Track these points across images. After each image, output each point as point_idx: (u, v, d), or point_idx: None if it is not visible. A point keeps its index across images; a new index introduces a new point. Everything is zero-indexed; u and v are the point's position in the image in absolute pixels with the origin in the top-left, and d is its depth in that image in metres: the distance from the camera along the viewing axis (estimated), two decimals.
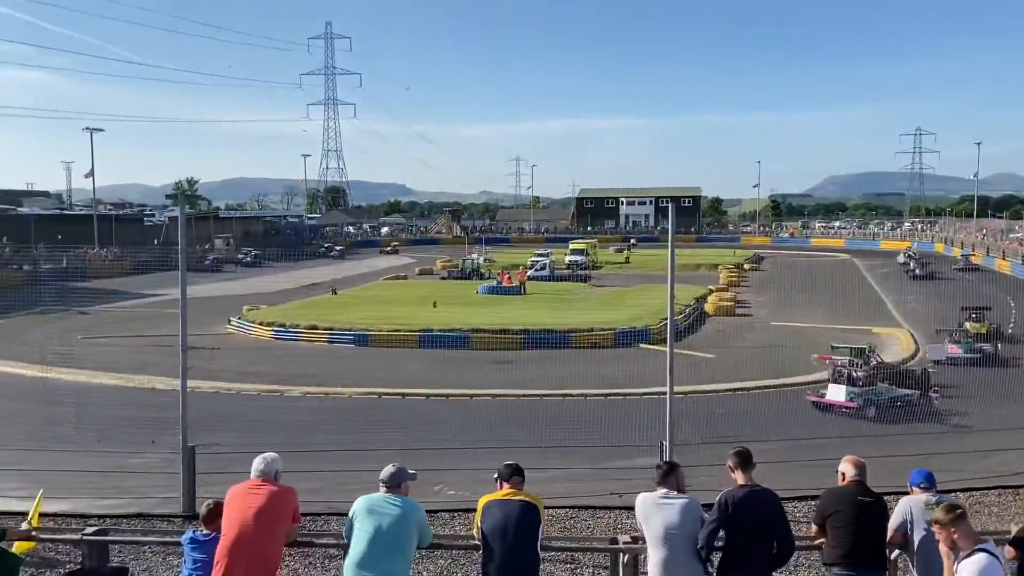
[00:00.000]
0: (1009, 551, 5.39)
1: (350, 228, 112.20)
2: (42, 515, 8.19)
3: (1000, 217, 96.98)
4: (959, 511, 4.64)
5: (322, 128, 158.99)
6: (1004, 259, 58.20)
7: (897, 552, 5.65)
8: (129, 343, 29.66)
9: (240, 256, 69.85)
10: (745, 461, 5.41)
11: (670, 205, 10.46)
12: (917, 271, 52.00)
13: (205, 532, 5.43)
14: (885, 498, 5.68)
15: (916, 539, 5.35)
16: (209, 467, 10.34)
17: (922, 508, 5.36)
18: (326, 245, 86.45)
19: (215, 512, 5.40)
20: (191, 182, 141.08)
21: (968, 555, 4.45)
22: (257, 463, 5.42)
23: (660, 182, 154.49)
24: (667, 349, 10.05)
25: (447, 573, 7.88)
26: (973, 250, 65.64)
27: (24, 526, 7.36)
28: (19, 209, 77.40)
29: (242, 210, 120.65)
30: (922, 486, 5.54)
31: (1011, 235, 73.08)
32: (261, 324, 33.39)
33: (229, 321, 34.67)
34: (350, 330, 31.36)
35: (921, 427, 17.90)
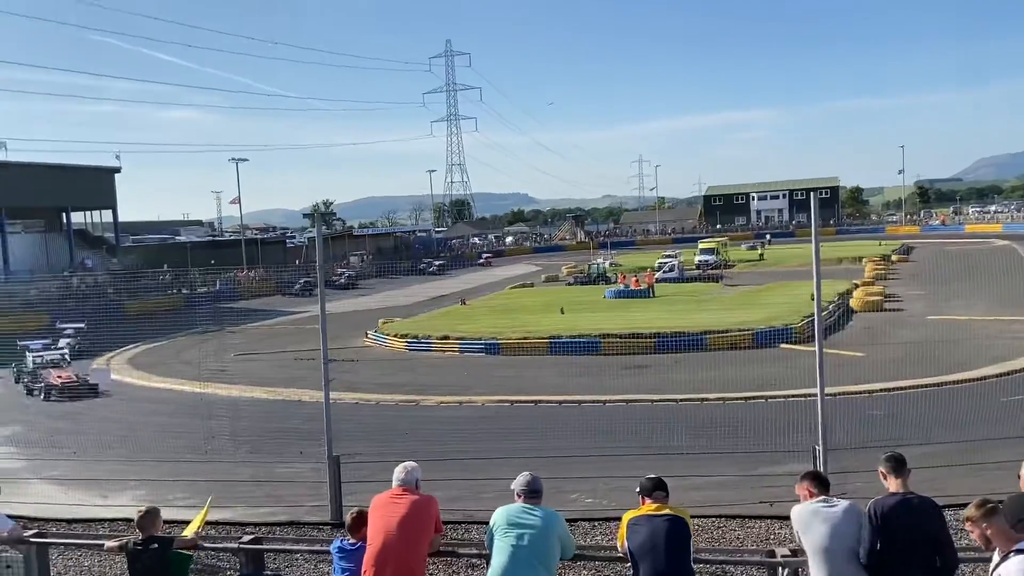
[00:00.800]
0: None
1: (476, 239, 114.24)
2: (207, 523, 8.60)
3: None
4: (990, 506, 4.10)
5: (445, 144, 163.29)
6: None
7: None
8: (277, 358, 31.30)
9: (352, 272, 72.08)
10: (898, 466, 4.96)
11: (812, 194, 9.79)
12: None
13: (352, 541, 5.48)
14: None
15: None
16: (353, 476, 10.60)
17: None
18: (425, 261, 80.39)
19: (360, 521, 5.45)
20: (327, 204, 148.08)
21: (1005, 557, 3.99)
22: (398, 472, 5.42)
23: (793, 174, 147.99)
24: (815, 348, 9.38)
25: None
26: None
27: (187, 533, 7.73)
28: (177, 238, 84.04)
29: (374, 227, 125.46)
30: None
31: None
32: (396, 336, 34.40)
33: (366, 334, 35.96)
34: (480, 339, 31.73)
35: None
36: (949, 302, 35.14)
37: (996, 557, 4.11)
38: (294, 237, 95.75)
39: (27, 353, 28.92)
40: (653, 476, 5.21)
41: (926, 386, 20.66)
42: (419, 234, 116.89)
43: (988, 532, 4.10)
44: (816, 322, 9.69)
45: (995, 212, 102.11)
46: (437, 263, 79.34)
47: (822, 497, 4.88)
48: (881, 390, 20.46)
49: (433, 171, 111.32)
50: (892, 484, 4.92)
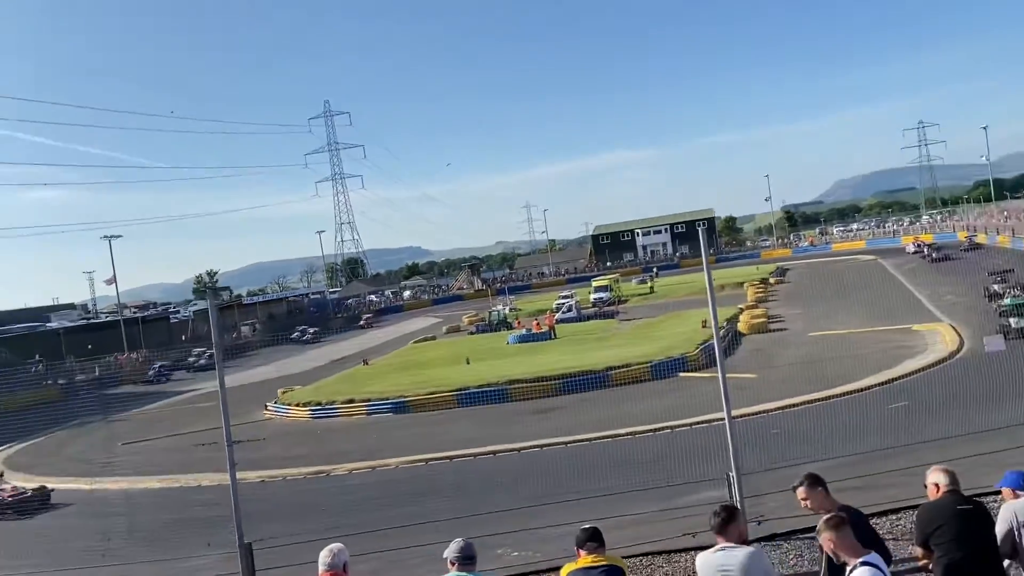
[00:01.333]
0: None
1: (372, 297, 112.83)
2: None
3: (1018, 197, 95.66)
4: (837, 519, 4.37)
5: (333, 203, 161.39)
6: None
7: (1007, 562, 5.29)
8: (170, 443, 29.69)
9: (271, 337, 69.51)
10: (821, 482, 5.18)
11: (700, 227, 10.28)
12: (933, 255, 54.55)
13: None
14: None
15: None
16: (268, 562, 10.10)
17: None
18: (365, 317, 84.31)
19: None
20: (211, 274, 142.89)
21: (852, 568, 4.21)
22: (324, 557, 5.21)
23: (672, 208, 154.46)
24: (712, 374, 9.73)
25: None
26: (999, 233, 64.65)
27: None
28: (47, 324, 78.72)
29: (264, 294, 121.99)
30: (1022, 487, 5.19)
31: None
32: (298, 405, 33.36)
33: (265, 406, 34.67)
34: (387, 399, 31.20)
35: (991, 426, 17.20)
36: (827, 318, 37.29)
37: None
38: (178, 312, 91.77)
39: None
40: (588, 527, 5.20)
41: (816, 400, 21.79)
42: (312, 296, 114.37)
43: (835, 545, 4.31)
44: (717, 350, 10.09)
45: (857, 230, 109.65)
46: (311, 330, 71.82)
47: (721, 543, 4.76)
48: (776, 409, 21.45)
49: (323, 232, 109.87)
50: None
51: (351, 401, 31.88)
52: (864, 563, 4.18)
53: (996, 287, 34.37)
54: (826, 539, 4.36)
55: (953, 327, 30.17)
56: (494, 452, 21.20)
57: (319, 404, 32.58)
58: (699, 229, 9.71)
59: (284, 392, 37.11)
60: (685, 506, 12.72)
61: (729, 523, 4.81)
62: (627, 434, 20.91)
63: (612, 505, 12.86)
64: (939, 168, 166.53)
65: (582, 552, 5.08)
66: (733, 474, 9.79)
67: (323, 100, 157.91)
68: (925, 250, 61.29)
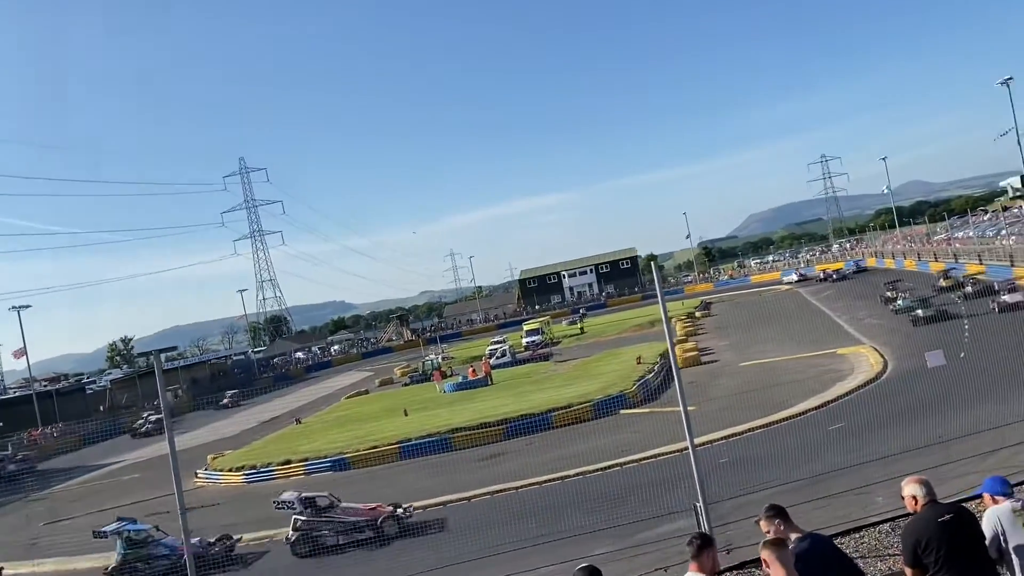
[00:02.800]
0: None
1: (299, 354, 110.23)
2: None
3: (920, 223, 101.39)
4: (776, 541, 4.68)
5: (252, 261, 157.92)
6: (979, 263, 50.44)
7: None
8: (95, 520, 27.92)
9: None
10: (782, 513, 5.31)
11: (653, 264, 10.52)
12: (833, 276, 52.54)
13: None
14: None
15: (1012, 548, 5.16)
16: None
17: (1011, 515, 5.20)
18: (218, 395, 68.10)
19: None
20: (126, 341, 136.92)
21: None
22: None
23: (595, 249, 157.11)
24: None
25: None
26: (906, 258, 68.23)
27: None
28: None
29: (184, 358, 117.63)
30: (1005, 493, 5.39)
31: (934, 238, 76.19)
32: (230, 470, 32.01)
33: (195, 475, 33.14)
34: (326, 457, 30.27)
35: (921, 437, 17.88)
36: (755, 348, 38.34)
37: None
38: (93, 382, 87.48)
39: None
40: (585, 566, 5.12)
41: (759, 427, 22.25)
42: (236, 357, 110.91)
43: (769, 566, 4.51)
44: (677, 380, 10.26)
45: (772, 262, 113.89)
46: (229, 394, 67.55)
47: (692, 573, 4.92)
48: (721, 438, 21.74)
49: (244, 290, 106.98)
50: (790, 530, 5.22)
51: (288, 462, 30.80)
52: None
53: (888, 293, 42.61)
54: (763, 558, 4.59)
55: (876, 349, 31.45)
56: (444, 503, 20.76)
57: (253, 467, 31.33)
58: (653, 264, 9.89)
59: (214, 458, 35.58)
60: (648, 541, 12.75)
61: (704, 549, 4.97)
62: (577, 474, 20.83)
63: (578, 546, 12.77)
64: (843, 199, 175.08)
65: None
66: (700, 504, 9.88)
67: (238, 157, 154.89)
68: (823, 275, 66.70)
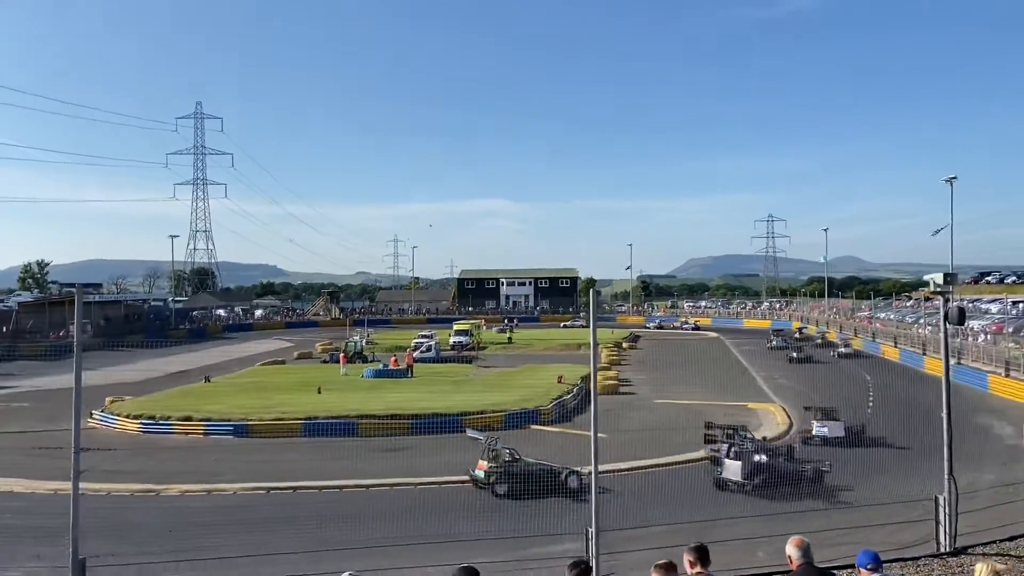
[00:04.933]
0: None
1: (220, 311, 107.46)
2: None
3: (848, 297, 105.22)
4: (667, 564, 5.15)
5: (190, 208, 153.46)
6: (895, 346, 53.82)
7: None
8: None
9: None
10: (703, 555, 5.52)
11: (591, 289, 10.64)
12: (795, 355, 52.16)
13: None
14: None
15: None
16: None
17: None
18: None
19: None
20: (41, 265, 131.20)
21: None
22: None
23: (538, 263, 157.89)
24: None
25: None
26: (841, 329, 70.57)
27: None
28: None
29: (100, 293, 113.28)
30: (869, 567, 5.71)
31: (858, 314, 79.22)
32: (128, 417, 31.08)
33: (91, 414, 32.04)
34: (228, 420, 29.67)
35: (808, 503, 18.58)
36: (672, 387, 39.19)
37: None
38: (1, 301, 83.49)
39: None
40: (466, 565, 5.22)
41: (660, 466, 22.74)
42: (154, 303, 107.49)
43: None
44: (593, 404, 10.44)
45: (704, 307, 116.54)
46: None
47: None
48: (625, 469, 22.14)
49: (175, 237, 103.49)
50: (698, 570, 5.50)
51: (188, 419, 30.07)
52: None
53: (774, 341, 59.43)
54: None
55: (784, 408, 32.51)
56: (340, 487, 20.57)
57: (152, 418, 30.50)
58: (591, 292, 10.07)
59: (113, 401, 34.48)
60: (534, 557, 12.91)
61: None
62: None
63: (463, 552, 12.82)
64: (782, 260, 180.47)
65: None
66: (593, 530, 10.08)
67: (195, 101, 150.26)
68: (784, 343, 59.33)
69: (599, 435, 25.56)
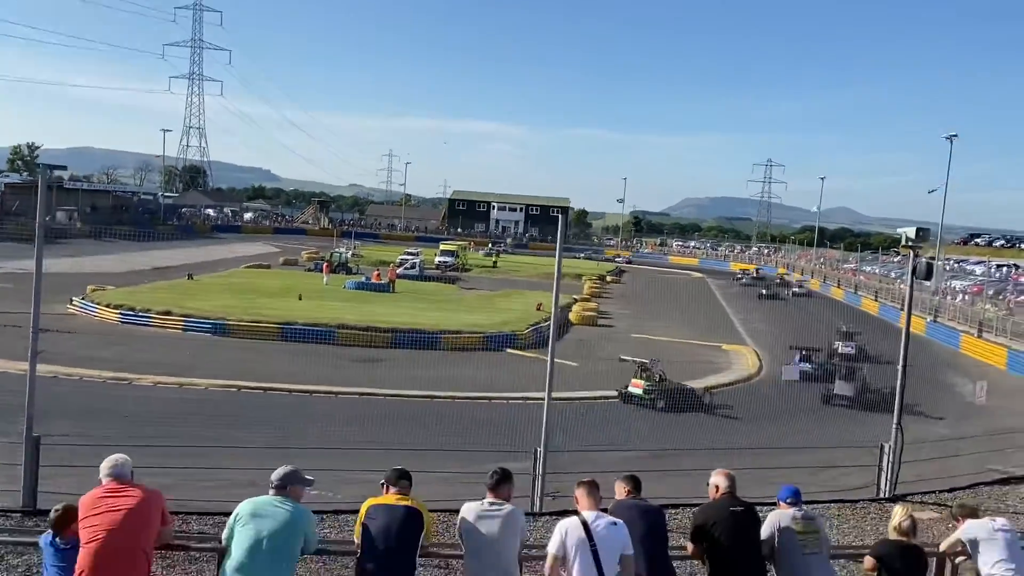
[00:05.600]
0: (868, 561, 5.88)
1: (210, 211, 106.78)
2: None
3: (836, 247, 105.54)
4: (589, 481, 5.38)
5: (185, 103, 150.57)
6: (839, 287, 63.34)
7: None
8: None
9: None
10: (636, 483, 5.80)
11: (560, 218, 10.63)
12: (763, 292, 56.62)
13: (64, 539, 4.95)
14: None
15: (782, 552, 5.70)
16: (54, 459, 9.53)
17: (790, 522, 5.72)
18: None
19: (68, 517, 4.95)
20: (31, 147, 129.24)
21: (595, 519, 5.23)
22: (109, 465, 5.01)
23: (531, 190, 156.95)
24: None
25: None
26: (812, 277, 71.31)
27: None
28: None
29: (89, 182, 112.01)
30: (788, 501, 5.90)
31: (844, 265, 79.65)
32: (108, 306, 31.23)
33: (71, 301, 32.21)
34: (207, 318, 29.86)
35: (761, 442, 19.05)
36: (650, 323, 39.60)
37: None
38: None
39: None
40: (399, 467, 5.38)
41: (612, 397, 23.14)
42: (144, 196, 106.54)
43: (577, 501, 5.25)
44: (552, 333, 10.54)
45: (693, 247, 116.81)
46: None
47: (491, 498, 5.28)
48: (590, 398, 22.59)
49: (168, 131, 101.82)
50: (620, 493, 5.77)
51: (168, 313, 30.24)
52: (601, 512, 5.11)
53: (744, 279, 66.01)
54: (575, 494, 5.31)
55: (756, 352, 33.01)
56: (311, 392, 20.92)
57: (132, 309, 30.66)
58: (559, 218, 10.05)
59: (94, 290, 34.61)
60: (489, 472, 13.25)
61: (503, 483, 5.37)
62: (446, 397, 21.28)
63: (422, 460, 13.12)
64: (776, 206, 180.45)
65: (391, 490, 5.25)
66: (541, 449, 10.36)
67: None
68: (746, 278, 69.31)
69: (571, 363, 25.93)
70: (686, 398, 22.79)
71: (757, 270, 77.13)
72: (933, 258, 50.32)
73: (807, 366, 27.23)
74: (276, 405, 19.11)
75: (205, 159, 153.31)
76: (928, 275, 11.79)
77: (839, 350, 30.19)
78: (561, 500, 11.25)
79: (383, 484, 5.36)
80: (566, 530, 5.01)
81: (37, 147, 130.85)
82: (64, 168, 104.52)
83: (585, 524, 5.00)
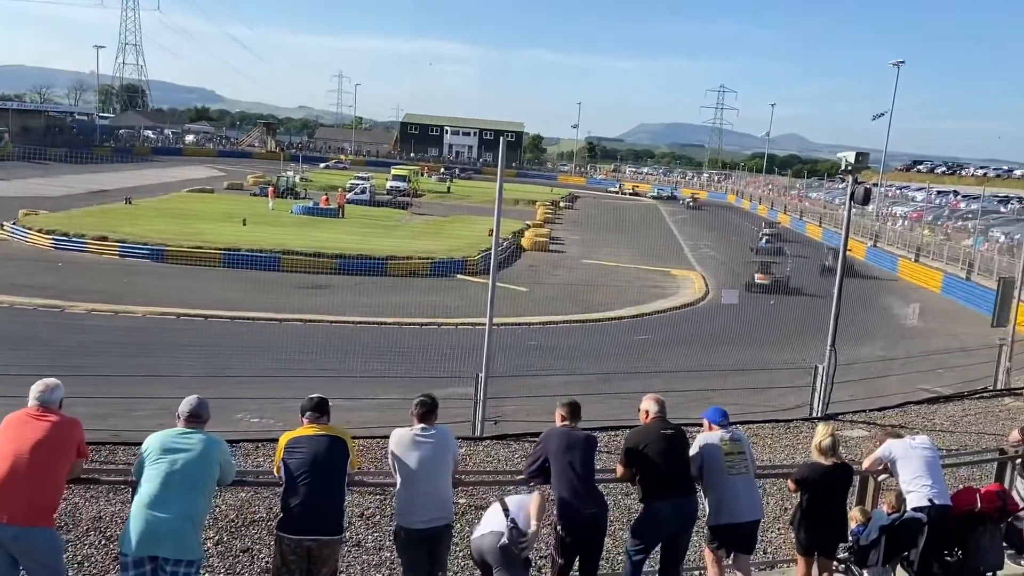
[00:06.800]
0: (791, 484, 5.98)
1: (149, 132, 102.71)
2: None
3: (784, 175, 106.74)
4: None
5: (120, 18, 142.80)
6: (784, 213, 64.28)
7: None
8: None
9: None
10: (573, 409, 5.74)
11: (501, 140, 10.33)
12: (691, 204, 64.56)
13: None
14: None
15: (708, 472, 5.76)
16: None
17: (717, 443, 5.76)
18: None
19: None
20: None
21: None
22: (37, 389, 4.77)
23: (485, 114, 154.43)
24: (487, 281, 10.07)
25: (248, 506, 7.56)
26: (772, 206, 72.21)
27: None
28: None
29: (20, 101, 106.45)
30: (719, 423, 5.93)
31: (791, 191, 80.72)
32: (40, 231, 30.08)
33: (1, 226, 30.93)
34: (145, 244, 28.99)
35: (712, 367, 19.43)
36: (601, 249, 39.77)
37: None
38: None
39: None
40: (315, 396, 5.18)
41: (574, 321, 23.35)
42: (78, 117, 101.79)
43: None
44: (493, 257, 10.37)
45: (646, 173, 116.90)
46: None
47: (421, 426, 5.19)
48: (539, 323, 22.69)
49: (102, 47, 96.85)
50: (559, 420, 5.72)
51: (104, 239, 29.25)
52: None
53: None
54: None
55: (703, 277, 33.46)
56: (253, 319, 20.55)
57: (66, 235, 29.56)
58: (501, 141, 9.76)
59: (26, 214, 33.28)
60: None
61: (431, 412, 5.26)
62: (392, 323, 21.14)
63: (364, 387, 13.11)
64: (728, 133, 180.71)
65: (304, 420, 5.08)
66: (483, 375, 10.33)
67: None
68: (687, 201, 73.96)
69: (521, 288, 25.89)
70: None
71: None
72: (875, 184, 51.24)
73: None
74: (215, 332, 18.74)
75: (143, 78, 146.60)
76: (866, 200, 11.87)
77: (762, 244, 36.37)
78: (502, 425, 11.34)
79: (301, 414, 5.17)
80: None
81: None
82: None
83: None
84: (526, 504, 5.26)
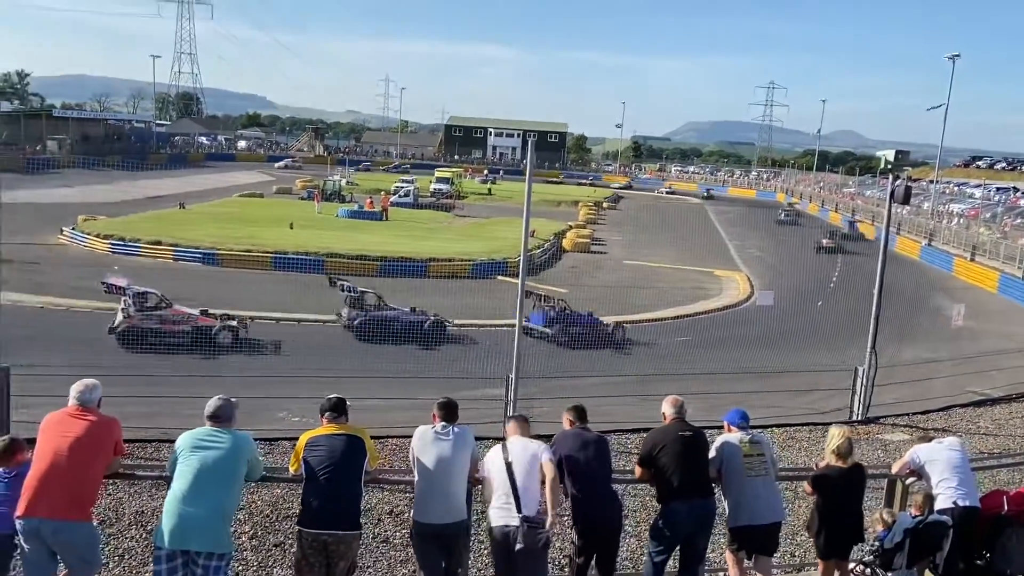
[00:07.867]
0: (807, 487, 5.98)
1: (203, 139, 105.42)
2: None
3: (836, 172, 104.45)
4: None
5: (176, 27, 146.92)
6: (836, 211, 62.79)
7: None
8: None
9: None
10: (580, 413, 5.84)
11: (530, 139, 10.45)
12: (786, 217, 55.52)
13: (6, 470, 5.02)
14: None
15: (727, 474, 5.79)
16: (28, 389, 9.65)
17: (736, 445, 5.79)
18: None
19: (11, 449, 5.02)
20: (21, 75, 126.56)
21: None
22: (76, 390, 5.06)
23: (529, 115, 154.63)
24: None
25: (283, 502, 7.81)
26: (823, 204, 70.57)
27: None
28: None
29: (81, 110, 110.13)
30: (740, 425, 5.95)
31: (844, 189, 78.95)
32: (99, 236, 31.19)
33: (61, 231, 32.16)
34: (197, 248, 29.83)
35: (742, 366, 19.21)
36: (644, 250, 39.52)
37: None
38: None
39: None
40: (333, 396, 5.36)
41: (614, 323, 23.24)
42: (136, 125, 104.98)
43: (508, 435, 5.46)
44: (522, 258, 10.50)
45: (692, 172, 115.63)
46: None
47: (442, 424, 5.38)
48: None
49: (158, 57, 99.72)
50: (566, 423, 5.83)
51: (158, 243, 30.19)
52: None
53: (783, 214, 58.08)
54: (505, 430, 5.68)
55: (748, 278, 33.03)
56: (298, 320, 21.02)
57: (122, 239, 30.61)
58: (529, 142, 9.89)
59: (85, 220, 34.49)
60: (466, 399, 13.40)
61: (451, 412, 5.47)
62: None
63: (403, 387, 13.33)
64: (778, 130, 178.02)
65: (324, 420, 5.27)
66: (513, 376, 10.45)
67: None
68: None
69: (560, 290, 25.99)
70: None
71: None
72: (932, 180, 49.89)
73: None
74: (264, 334, 19.17)
75: (198, 86, 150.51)
76: (906, 199, 11.67)
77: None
78: (535, 426, 11.43)
79: (320, 413, 5.36)
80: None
81: (27, 74, 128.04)
82: (36, 95, 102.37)
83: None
84: (534, 487, 5.23)
